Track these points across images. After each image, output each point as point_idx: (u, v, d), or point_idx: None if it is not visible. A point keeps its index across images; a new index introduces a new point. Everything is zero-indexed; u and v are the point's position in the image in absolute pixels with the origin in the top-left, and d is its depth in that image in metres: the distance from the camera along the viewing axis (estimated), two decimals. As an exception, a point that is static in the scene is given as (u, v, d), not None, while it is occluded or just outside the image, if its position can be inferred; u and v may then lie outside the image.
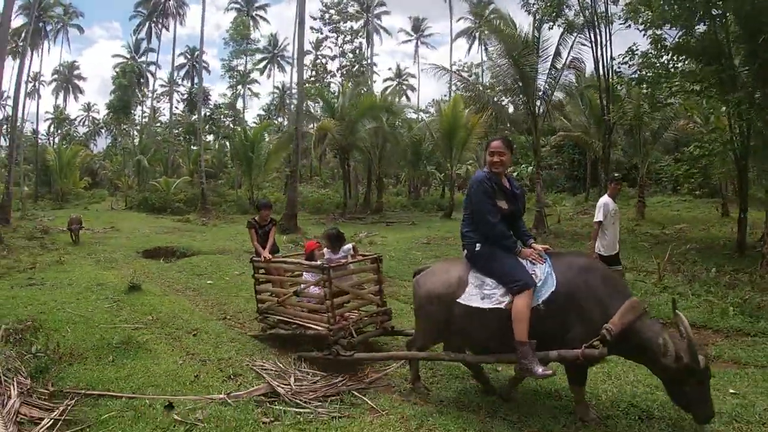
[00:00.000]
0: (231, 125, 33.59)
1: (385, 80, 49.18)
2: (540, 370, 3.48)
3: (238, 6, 40.80)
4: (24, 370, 4.10)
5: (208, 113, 34.09)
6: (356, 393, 4.04)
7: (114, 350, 4.93)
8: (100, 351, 4.92)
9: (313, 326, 5.16)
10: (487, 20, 18.78)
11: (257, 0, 40.57)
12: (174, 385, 4.06)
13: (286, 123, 23.16)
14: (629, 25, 13.41)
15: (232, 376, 4.34)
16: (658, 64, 12.13)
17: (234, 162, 27.03)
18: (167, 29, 37.76)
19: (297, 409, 3.64)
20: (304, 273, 5.65)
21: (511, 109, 19.39)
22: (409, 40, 48.15)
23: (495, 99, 18.12)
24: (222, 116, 34.57)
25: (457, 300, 3.88)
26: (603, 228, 6.69)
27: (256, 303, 5.96)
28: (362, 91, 26.36)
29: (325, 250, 5.85)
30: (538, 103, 17.28)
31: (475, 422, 3.66)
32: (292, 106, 24.15)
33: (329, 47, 38.87)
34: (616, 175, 7.68)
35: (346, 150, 22.42)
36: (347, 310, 5.43)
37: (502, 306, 3.68)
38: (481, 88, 19.18)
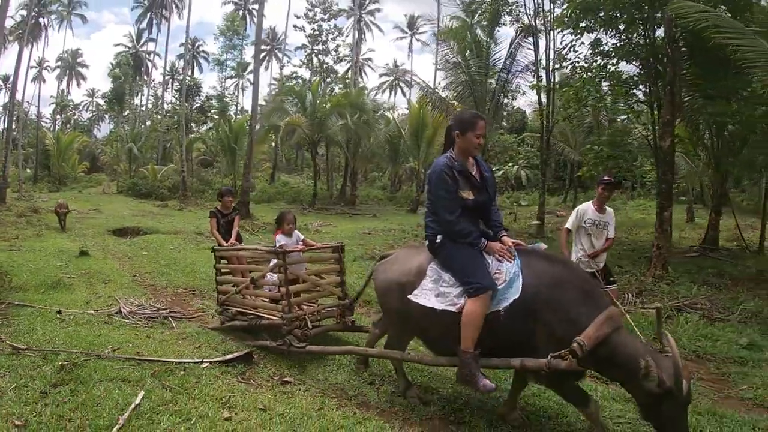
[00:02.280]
0: (224, 115, 36.56)
1: (381, 75, 51.78)
2: (482, 383, 3.41)
3: (235, 0, 43.91)
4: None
5: (199, 104, 37.40)
6: (170, 318, 6.25)
7: (48, 287, 7.56)
8: (39, 287, 7.53)
9: (267, 315, 5.31)
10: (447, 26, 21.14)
11: (254, -5, 43.70)
12: (70, 305, 6.63)
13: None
14: (560, 31, 15.41)
15: (111, 305, 6.99)
16: (594, 66, 13.49)
17: (220, 152, 30.03)
18: (167, 20, 40.96)
19: (125, 320, 6.10)
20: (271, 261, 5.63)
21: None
22: (404, 37, 50.79)
23: (443, 99, 20.61)
24: (211, 108, 37.70)
25: (408, 295, 3.78)
26: (579, 237, 6.13)
27: (217, 294, 6.14)
28: (336, 88, 29.06)
29: (278, 235, 5.90)
30: (487, 105, 19.72)
31: (229, 344, 5.27)
32: (288, 99, 26.98)
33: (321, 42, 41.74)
34: (605, 178, 6.35)
35: (315, 144, 25.22)
36: (303, 300, 5.44)
37: (454, 309, 3.55)
38: (433, 89, 21.54)
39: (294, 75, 40.52)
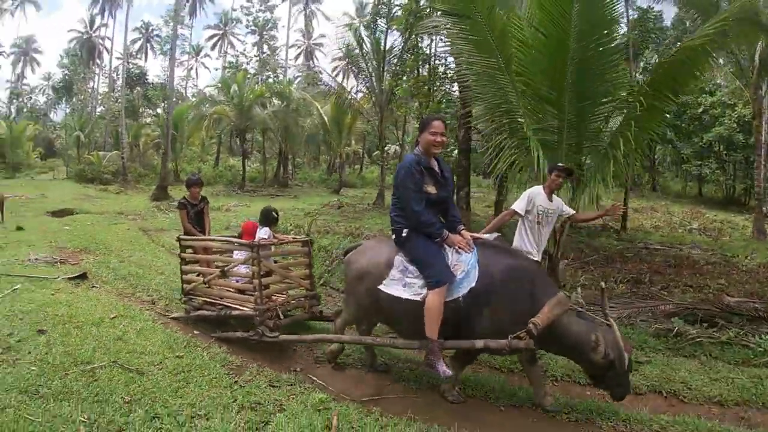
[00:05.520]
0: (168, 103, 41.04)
1: (333, 60, 55.76)
2: (442, 369, 4.15)
3: (187, -14, 48.03)
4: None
5: (143, 91, 41.87)
6: (59, 263, 10.46)
7: None
8: None
9: (238, 307, 5.82)
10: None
11: (204, -19, 47.87)
12: (1, 257, 11.23)
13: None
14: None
15: (30, 258, 11.40)
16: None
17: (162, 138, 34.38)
18: (119, 5, 44.96)
19: (31, 263, 10.40)
20: (234, 252, 6.41)
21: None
22: (353, 22, 54.48)
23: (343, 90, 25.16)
24: (155, 96, 42.13)
25: (378, 286, 4.52)
26: (523, 226, 6.08)
27: (182, 284, 6.87)
28: (272, 78, 33.73)
29: (263, 229, 6.59)
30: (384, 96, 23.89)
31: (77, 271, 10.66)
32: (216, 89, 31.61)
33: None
34: (558, 164, 6.33)
35: (243, 132, 29.82)
36: (274, 292, 6.05)
37: (418, 299, 4.27)
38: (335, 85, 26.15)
39: (231, 65, 44.98)
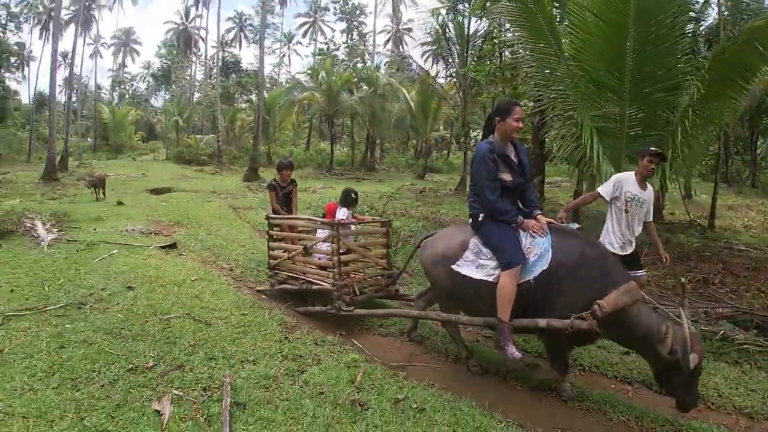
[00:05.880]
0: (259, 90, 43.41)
1: (423, 44, 56.41)
2: (511, 350, 4.30)
3: (274, -21, 50.40)
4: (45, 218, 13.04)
5: (237, 80, 44.42)
6: (153, 234, 11.79)
7: (92, 220, 13.04)
8: (86, 220, 12.95)
9: (318, 282, 6.25)
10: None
11: (293, -29, 49.80)
12: (102, 227, 12.52)
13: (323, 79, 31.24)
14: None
15: (127, 229, 12.82)
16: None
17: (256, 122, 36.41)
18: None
19: (128, 233, 11.66)
20: (317, 231, 6.83)
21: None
22: (443, 6, 54.64)
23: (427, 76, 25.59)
24: (248, 84, 44.46)
25: (452, 266, 4.72)
26: (610, 214, 5.76)
27: (268, 259, 7.46)
28: (360, 64, 34.77)
29: (342, 209, 7.10)
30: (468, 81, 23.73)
31: (166, 240, 11.92)
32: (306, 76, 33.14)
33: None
34: (651, 148, 5.73)
35: (331, 117, 31.00)
36: (352, 269, 6.42)
37: (491, 279, 4.43)
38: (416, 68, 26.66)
39: (321, 51, 46.64)
